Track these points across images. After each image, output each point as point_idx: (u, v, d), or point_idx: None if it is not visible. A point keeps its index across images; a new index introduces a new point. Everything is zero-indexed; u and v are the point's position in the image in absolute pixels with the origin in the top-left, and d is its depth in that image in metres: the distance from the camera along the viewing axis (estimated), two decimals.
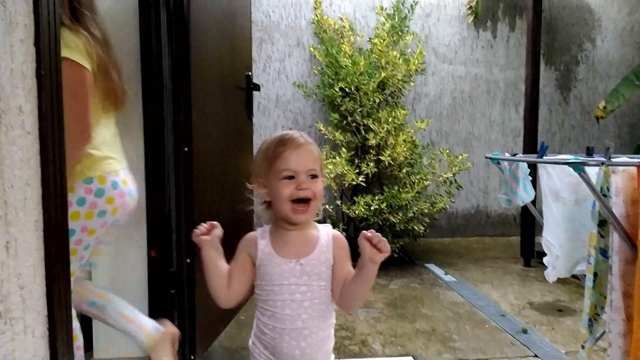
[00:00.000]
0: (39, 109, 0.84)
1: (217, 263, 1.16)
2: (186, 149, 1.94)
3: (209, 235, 1.16)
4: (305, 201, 1.10)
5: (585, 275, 1.75)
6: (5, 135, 0.75)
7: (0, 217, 0.75)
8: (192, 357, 2.04)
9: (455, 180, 3.89)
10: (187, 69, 1.86)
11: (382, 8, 4.17)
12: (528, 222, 3.91)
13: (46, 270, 0.88)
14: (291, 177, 1.09)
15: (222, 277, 1.15)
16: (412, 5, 4.08)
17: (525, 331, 2.57)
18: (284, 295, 1.12)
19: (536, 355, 2.31)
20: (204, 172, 2.05)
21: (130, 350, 2.01)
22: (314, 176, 1.11)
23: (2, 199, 0.75)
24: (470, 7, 4.55)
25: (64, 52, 1.25)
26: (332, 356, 1.22)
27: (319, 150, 1.17)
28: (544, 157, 1.77)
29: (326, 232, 1.17)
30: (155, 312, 1.97)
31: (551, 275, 1.84)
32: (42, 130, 0.85)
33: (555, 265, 1.82)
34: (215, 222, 1.18)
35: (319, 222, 1.19)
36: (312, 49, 4.21)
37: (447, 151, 3.88)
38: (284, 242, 1.14)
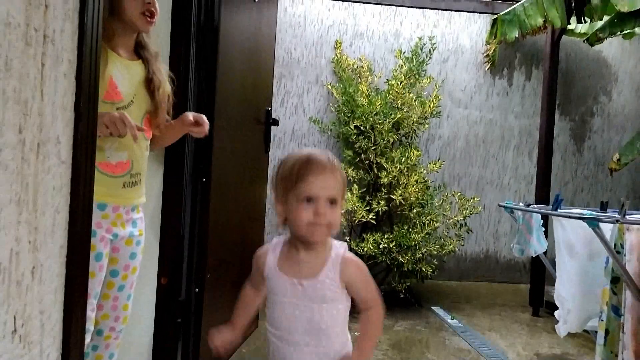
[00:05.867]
0: (74, 139, 0.88)
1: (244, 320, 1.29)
2: (204, 179, 1.97)
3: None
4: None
5: (596, 332, 1.73)
6: (41, 164, 0.79)
7: (29, 242, 0.77)
8: None
9: (465, 223, 3.87)
10: (211, 100, 1.91)
11: (400, 51, 4.26)
12: (538, 271, 3.86)
13: (65, 295, 0.89)
14: (310, 200, 1.09)
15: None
16: (430, 51, 4.17)
17: None
18: (284, 309, 1.16)
19: None
20: (219, 203, 2.08)
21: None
22: (334, 201, 1.11)
23: (32, 225, 0.78)
24: (487, 55, 4.63)
25: None
26: None
27: (343, 172, 1.16)
28: (559, 210, 1.77)
29: (336, 255, 1.15)
30: (160, 340, 1.97)
31: (562, 329, 1.81)
32: (76, 160, 0.88)
33: (567, 320, 1.79)
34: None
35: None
36: (330, 87, 4.30)
37: (459, 194, 3.88)
38: (291, 260, 1.16)
